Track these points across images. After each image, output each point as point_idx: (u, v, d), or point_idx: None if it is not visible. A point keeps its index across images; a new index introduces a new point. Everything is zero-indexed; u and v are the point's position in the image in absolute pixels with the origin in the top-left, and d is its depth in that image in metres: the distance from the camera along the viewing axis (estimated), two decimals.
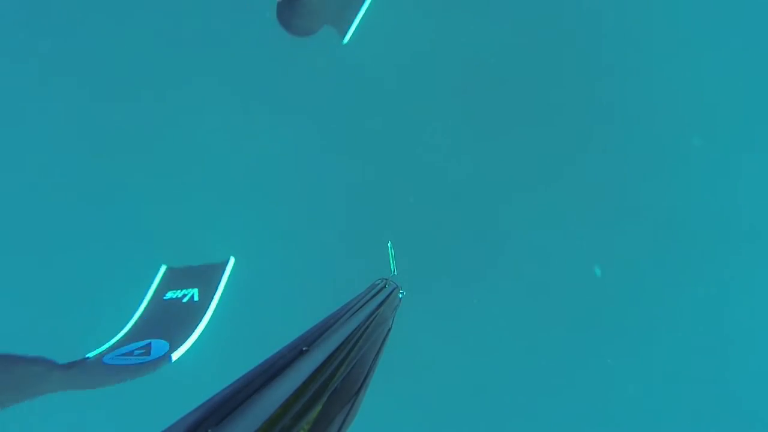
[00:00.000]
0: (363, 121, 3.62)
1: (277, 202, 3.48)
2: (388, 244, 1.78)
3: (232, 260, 2.73)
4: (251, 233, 3.41)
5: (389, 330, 1.11)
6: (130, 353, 2.24)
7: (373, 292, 1.21)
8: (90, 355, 2.27)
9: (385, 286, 1.30)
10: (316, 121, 3.55)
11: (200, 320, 2.41)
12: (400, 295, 1.34)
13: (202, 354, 2.97)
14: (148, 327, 2.40)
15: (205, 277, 2.64)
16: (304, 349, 0.75)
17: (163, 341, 2.30)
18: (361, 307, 1.05)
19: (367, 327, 0.97)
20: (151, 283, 2.69)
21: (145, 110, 3.48)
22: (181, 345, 2.29)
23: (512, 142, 3.69)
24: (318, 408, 0.68)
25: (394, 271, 1.66)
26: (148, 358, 2.20)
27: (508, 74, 3.74)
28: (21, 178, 3.38)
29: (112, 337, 2.38)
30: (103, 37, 3.54)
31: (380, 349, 0.98)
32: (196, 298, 2.52)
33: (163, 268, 2.75)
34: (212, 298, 2.52)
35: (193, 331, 2.37)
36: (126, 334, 2.38)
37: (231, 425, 0.53)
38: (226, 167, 3.47)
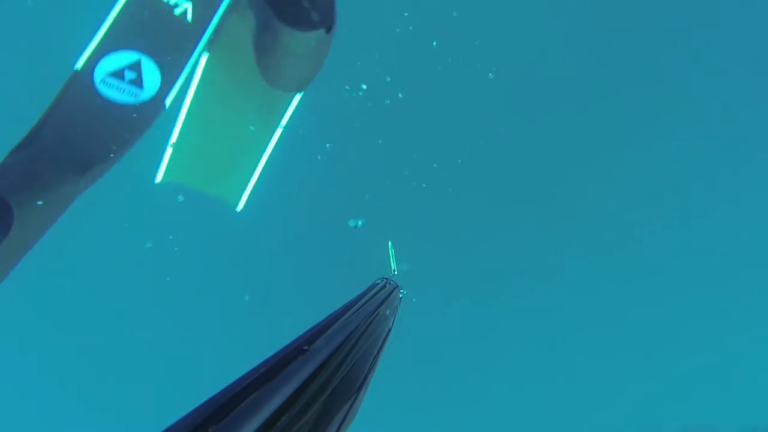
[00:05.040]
0: None
1: None
2: (389, 243, 1.78)
3: None
4: None
5: (389, 329, 1.12)
6: (120, 74, 2.06)
7: (374, 291, 1.21)
8: (77, 66, 2.07)
9: (385, 286, 1.30)
10: None
11: (191, 54, 2.19)
12: (401, 295, 1.34)
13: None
14: (134, 30, 2.13)
15: None
16: (304, 348, 0.75)
17: (153, 63, 2.10)
18: (361, 306, 1.05)
19: (368, 326, 0.97)
20: None
21: None
22: (174, 84, 2.13)
23: None
24: (318, 407, 0.69)
25: (394, 271, 1.66)
26: (141, 95, 2.04)
27: None
28: None
29: (97, 30, 2.10)
30: None
31: (380, 348, 0.99)
32: (189, 17, 2.19)
33: None
34: (207, 25, 2.21)
35: (185, 64, 2.16)
36: (111, 29, 2.10)
37: (231, 425, 0.53)
38: None
